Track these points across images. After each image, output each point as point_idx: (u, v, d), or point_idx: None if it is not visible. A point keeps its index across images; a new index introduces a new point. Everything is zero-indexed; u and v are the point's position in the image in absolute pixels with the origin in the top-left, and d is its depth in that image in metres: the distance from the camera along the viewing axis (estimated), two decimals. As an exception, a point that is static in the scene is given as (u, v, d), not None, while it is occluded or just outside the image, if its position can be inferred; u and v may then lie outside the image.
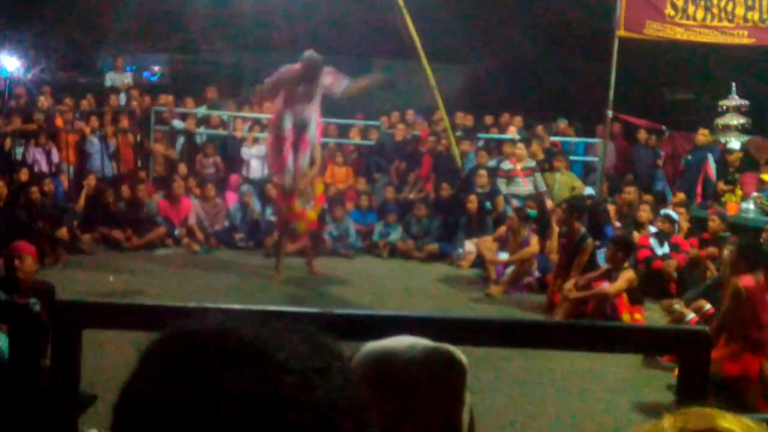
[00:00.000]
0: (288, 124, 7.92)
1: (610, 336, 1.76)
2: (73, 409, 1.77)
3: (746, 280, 5.44)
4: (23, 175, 10.07)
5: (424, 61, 10.72)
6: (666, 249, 8.69)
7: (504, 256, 9.01)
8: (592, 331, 1.83)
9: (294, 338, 0.77)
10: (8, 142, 11.17)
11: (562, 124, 12.69)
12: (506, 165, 10.82)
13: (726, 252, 6.10)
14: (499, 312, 7.90)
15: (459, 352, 1.61)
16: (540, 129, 11.93)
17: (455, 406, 1.57)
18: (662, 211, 9.36)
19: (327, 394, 0.73)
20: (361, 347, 1.54)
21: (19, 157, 11.20)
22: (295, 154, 8.01)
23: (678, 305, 7.38)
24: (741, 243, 6.02)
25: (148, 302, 1.87)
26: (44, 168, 11.09)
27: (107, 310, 1.87)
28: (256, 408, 0.70)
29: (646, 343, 1.84)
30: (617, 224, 9.53)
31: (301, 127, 8.04)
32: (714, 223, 8.77)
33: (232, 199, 11.07)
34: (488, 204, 10.44)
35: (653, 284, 8.04)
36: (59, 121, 11.85)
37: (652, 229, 8.98)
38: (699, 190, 10.61)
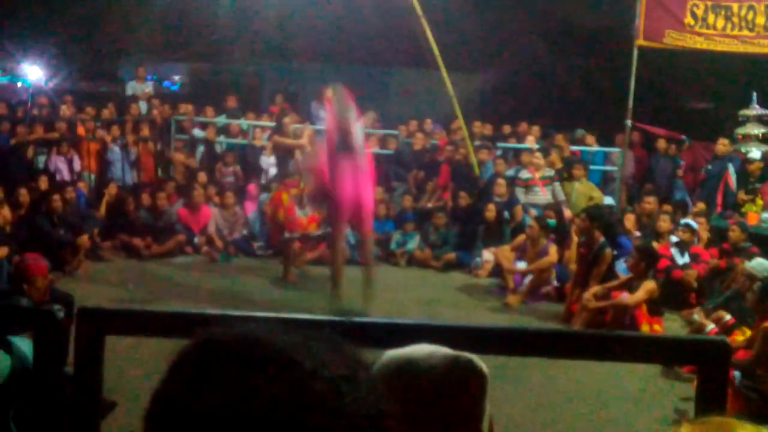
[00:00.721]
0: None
1: (630, 345, 1.76)
2: (96, 415, 1.79)
3: None
4: (43, 183, 10.17)
5: (443, 69, 10.74)
6: (686, 259, 8.64)
7: (522, 265, 8.99)
8: (612, 340, 1.82)
9: (321, 346, 0.79)
10: (31, 150, 11.30)
11: (581, 133, 12.65)
12: (525, 174, 10.80)
13: (749, 295, 6.04)
14: (517, 321, 7.88)
15: (480, 361, 1.61)
16: (560, 138, 11.89)
17: (475, 415, 1.57)
18: (682, 221, 9.30)
19: (354, 402, 0.75)
20: (382, 355, 1.55)
21: (41, 165, 11.33)
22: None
23: (697, 316, 7.33)
24: (764, 285, 5.91)
25: (169, 309, 1.89)
26: (66, 176, 11.22)
27: (130, 317, 1.90)
28: (286, 414, 0.71)
29: (665, 353, 1.84)
30: (637, 234, 9.48)
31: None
32: (734, 233, 8.70)
33: (250, 207, 11.13)
34: (506, 213, 10.42)
35: (673, 294, 7.99)
36: (81, 130, 11.98)
37: (673, 238, 8.93)
38: (719, 199, 10.53)
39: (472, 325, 1.94)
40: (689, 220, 9.30)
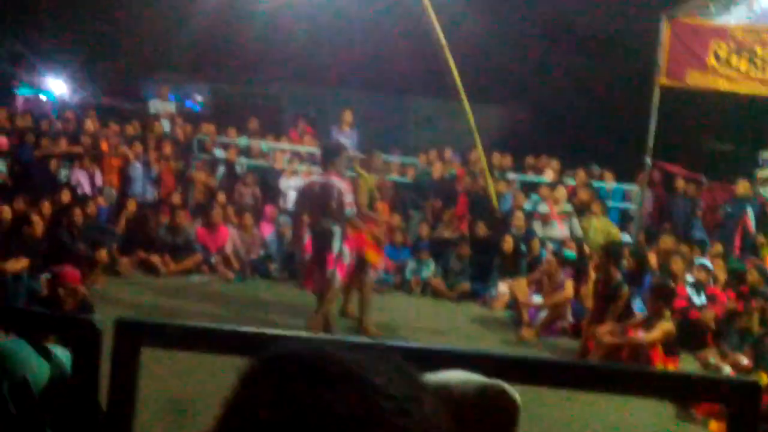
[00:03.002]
0: None
1: (659, 381, 1.77)
2: (131, 426, 1.81)
3: None
4: (65, 196, 10.27)
5: (465, 100, 10.81)
6: (703, 299, 8.60)
7: (538, 299, 8.98)
8: (642, 375, 1.84)
9: (387, 366, 0.80)
10: (54, 163, 11.42)
11: (597, 169, 12.63)
12: (542, 207, 10.81)
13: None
14: (530, 355, 7.84)
15: (513, 390, 1.63)
16: (582, 174, 11.91)
17: (507, 442, 1.59)
18: (698, 261, 9.27)
19: (421, 421, 0.77)
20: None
21: (64, 178, 11.45)
22: None
23: (714, 358, 7.30)
24: None
25: (208, 325, 1.92)
26: (87, 190, 11.33)
27: (167, 330, 1.93)
28: (356, 429, 0.73)
29: (694, 391, 1.85)
30: (657, 273, 9.45)
31: None
32: (752, 276, 8.66)
33: (267, 229, 11.18)
34: (523, 246, 10.42)
35: (689, 335, 7.94)
36: (104, 146, 12.11)
37: (690, 278, 8.90)
38: (737, 242, 10.49)
39: (499, 354, 1.96)
40: (705, 260, 9.27)
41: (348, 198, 7.21)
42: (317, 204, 7.34)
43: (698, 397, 2.85)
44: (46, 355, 1.81)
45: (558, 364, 2.12)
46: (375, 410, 0.75)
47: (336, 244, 7.29)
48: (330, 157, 7.40)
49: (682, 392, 1.88)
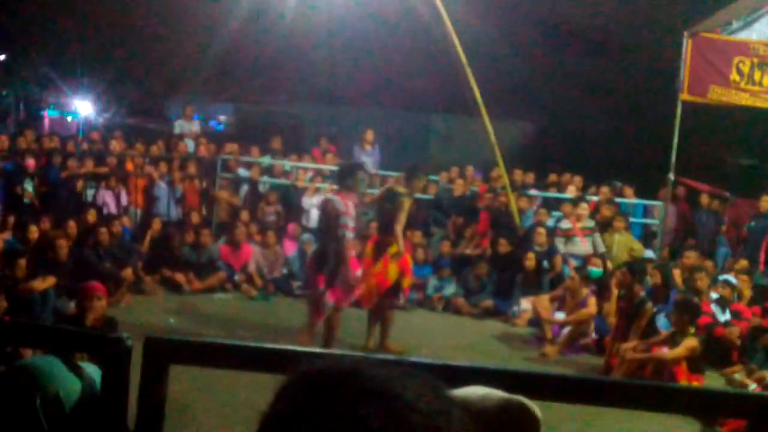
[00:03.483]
0: None
1: (680, 397, 1.78)
2: (159, 441, 1.86)
3: None
4: (92, 216, 10.41)
5: (485, 116, 10.83)
6: (727, 316, 8.53)
7: (561, 316, 8.95)
8: (661, 391, 1.85)
9: (416, 382, 0.83)
10: (80, 183, 11.59)
11: (618, 185, 12.58)
12: (565, 224, 10.79)
13: None
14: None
15: (533, 405, 1.65)
16: (606, 190, 11.88)
17: (528, 457, 1.61)
18: (721, 277, 9.20)
19: None
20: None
21: (89, 198, 11.61)
22: None
23: (739, 375, 7.23)
24: None
25: (234, 342, 1.97)
26: (113, 210, 11.49)
27: (194, 347, 1.97)
28: None
29: (713, 407, 1.86)
30: (681, 288, 9.39)
31: None
32: (778, 291, 8.59)
33: (290, 247, 11.25)
34: (546, 263, 10.40)
35: (714, 352, 7.87)
36: (130, 166, 12.28)
37: (714, 295, 8.83)
38: (762, 257, 10.39)
39: (520, 370, 1.98)
40: (728, 276, 9.20)
41: (343, 219, 7.07)
42: (319, 221, 7.70)
43: (723, 414, 2.84)
44: (78, 371, 1.86)
45: (579, 380, 2.13)
46: (406, 424, 0.77)
47: (329, 263, 7.21)
48: (342, 176, 7.44)
49: (707, 408, 1.89)
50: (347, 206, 7.13)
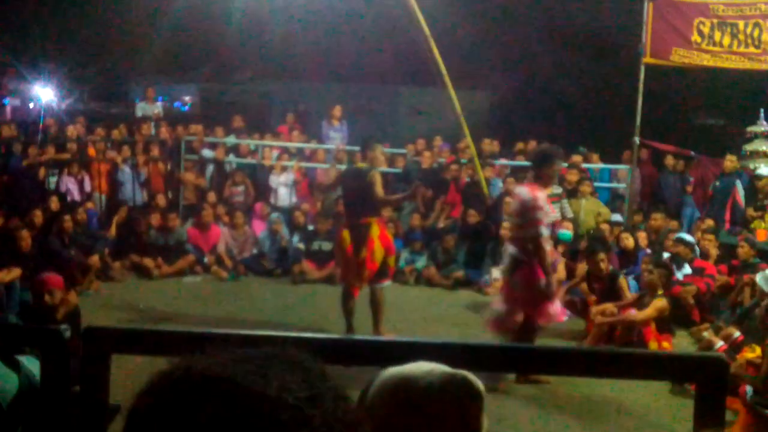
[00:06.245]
0: None
1: (627, 362, 1.78)
2: (102, 432, 1.82)
3: None
4: (54, 203, 10.25)
5: (450, 88, 10.78)
6: (687, 271, 8.62)
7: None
8: (609, 357, 1.84)
9: (280, 368, 0.78)
10: (42, 171, 11.40)
11: (583, 151, 12.60)
12: (532, 191, 10.80)
13: (758, 312, 6.03)
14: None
15: (476, 379, 1.63)
16: (576, 156, 11.91)
17: (473, 431, 1.59)
18: (675, 235, 9.29)
19: (323, 423, 0.75)
20: (380, 373, 1.57)
21: (52, 186, 11.43)
22: None
23: (707, 333, 7.32)
24: None
25: (174, 328, 1.92)
26: (76, 197, 11.31)
27: (135, 336, 1.93)
28: None
29: (662, 370, 1.86)
30: (648, 251, 9.47)
31: None
32: (743, 249, 8.70)
33: (259, 226, 11.18)
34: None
35: (676, 311, 7.96)
36: (92, 151, 12.09)
37: (665, 254, 8.93)
38: (728, 216, 10.51)
39: (471, 342, 1.96)
40: (683, 234, 9.30)
41: (536, 214, 6.03)
42: (508, 219, 7.02)
43: (667, 376, 2.86)
44: (14, 366, 1.81)
45: (521, 349, 2.12)
46: (275, 426, 0.73)
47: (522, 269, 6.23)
48: (539, 164, 6.38)
49: (652, 372, 1.89)
50: (537, 198, 6.05)
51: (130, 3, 17.11)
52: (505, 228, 10.09)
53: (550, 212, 10.39)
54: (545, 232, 6.09)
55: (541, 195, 6.11)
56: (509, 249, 6.26)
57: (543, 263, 6.00)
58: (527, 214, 6.02)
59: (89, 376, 1.85)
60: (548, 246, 6.22)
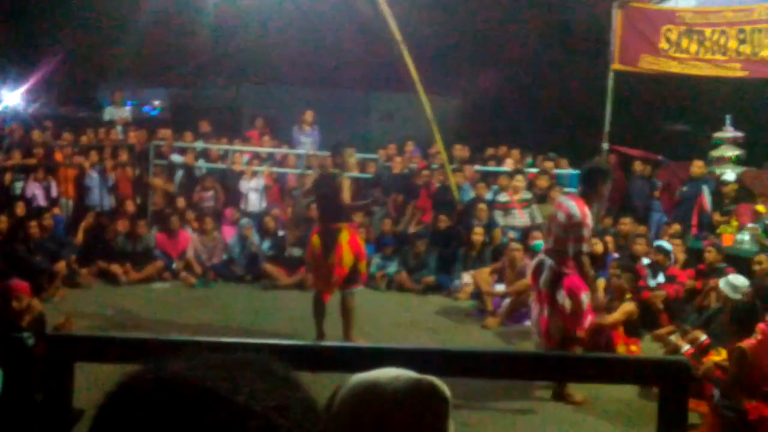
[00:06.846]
0: None
1: (592, 367, 1.79)
2: (64, 441, 1.79)
3: (747, 341, 5.33)
4: (20, 209, 10.09)
5: (422, 93, 10.82)
6: (660, 279, 8.72)
7: (501, 287, 9.04)
8: (574, 361, 1.85)
9: (250, 375, 0.77)
10: (8, 176, 11.23)
11: (553, 156, 12.69)
12: (503, 197, 10.88)
13: (722, 316, 6.13)
14: (495, 344, 7.91)
15: (442, 384, 1.63)
16: (547, 162, 12.00)
17: (438, 437, 1.59)
18: (655, 243, 9.40)
19: (291, 429, 0.74)
20: (348, 379, 1.57)
21: (18, 191, 11.26)
22: None
23: (674, 337, 7.39)
24: (737, 306, 5.95)
25: (138, 335, 1.91)
26: (42, 202, 11.14)
27: (98, 343, 1.91)
28: None
29: (626, 374, 1.87)
30: (616, 255, 9.56)
31: None
32: (710, 254, 8.80)
33: (228, 232, 11.09)
34: (486, 236, 10.49)
35: (645, 316, 8.04)
36: (58, 156, 11.93)
37: (645, 260, 9.02)
38: (694, 221, 10.65)
39: (441, 348, 1.97)
40: (662, 242, 9.40)
41: (582, 230, 5.89)
42: (547, 232, 6.66)
43: (631, 380, 2.89)
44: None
45: (485, 354, 2.13)
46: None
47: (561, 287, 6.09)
48: (590, 181, 6.18)
49: (616, 376, 1.91)
50: (587, 216, 5.88)
51: (101, 6, 16.93)
52: (478, 234, 10.15)
53: (520, 217, 10.61)
54: (587, 248, 5.96)
55: (588, 212, 5.93)
56: (547, 261, 6.07)
57: (587, 278, 5.92)
58: (574, 229, 5.84)
59: (52, 385, 1.82)
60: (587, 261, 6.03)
